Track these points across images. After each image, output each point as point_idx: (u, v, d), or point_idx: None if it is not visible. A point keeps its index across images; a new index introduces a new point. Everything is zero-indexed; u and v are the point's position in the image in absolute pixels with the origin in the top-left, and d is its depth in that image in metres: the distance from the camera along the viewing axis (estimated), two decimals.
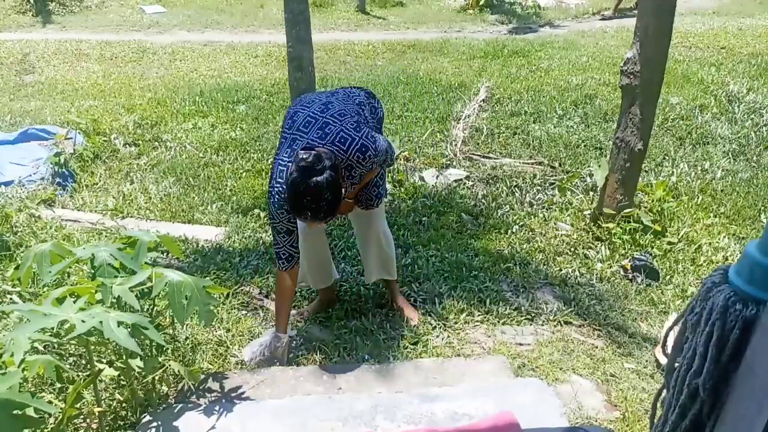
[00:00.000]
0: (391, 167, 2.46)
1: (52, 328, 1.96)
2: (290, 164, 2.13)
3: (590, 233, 3.48)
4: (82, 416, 2.03)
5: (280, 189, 2.21)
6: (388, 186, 3.17)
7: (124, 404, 2.15)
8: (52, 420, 1.98)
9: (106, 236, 3.44)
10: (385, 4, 10.64)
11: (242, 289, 2.96)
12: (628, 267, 3.15)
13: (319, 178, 2.04)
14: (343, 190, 2.18)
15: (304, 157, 2.06)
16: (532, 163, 4.39)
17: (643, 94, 3.13)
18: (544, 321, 2.80)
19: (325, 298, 2.87)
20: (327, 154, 2.13)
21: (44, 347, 2.10)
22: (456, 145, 4.62)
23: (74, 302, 1.71)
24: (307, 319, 2.79)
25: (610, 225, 3.38)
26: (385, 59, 7.44)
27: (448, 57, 7.34)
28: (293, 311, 2.66)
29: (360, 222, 2.69)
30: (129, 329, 1.69)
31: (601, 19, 9.68)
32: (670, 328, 1.07)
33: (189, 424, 2.07)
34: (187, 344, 2.52)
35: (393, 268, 2.77)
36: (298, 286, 2.61)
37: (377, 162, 2.30)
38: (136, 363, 2.02)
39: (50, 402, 1.84)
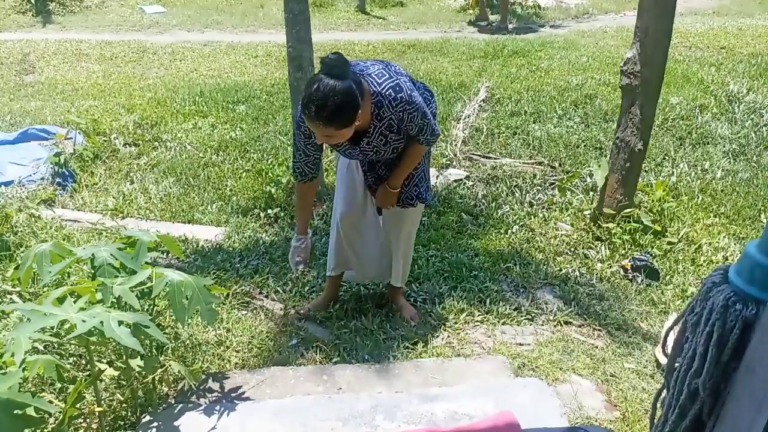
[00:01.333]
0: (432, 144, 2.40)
1: (53, 328, 1.96)
2: None
3: (590, 233, 3.48)
4: (82, 416, 2.03)
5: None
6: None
7: (124, 404, 2.15)
8: (52, 420, 1.98)
9: (106, 236, 3.45)
10: (385, 4, 10.65)
11: (242, 289, 2.96)
12: (628, 267, 3.15)
13: (335, 81, 2.01)
14: (359, 113, 2.08)
15: (330, 56, 2.04)
16: (532, 163, 4.39)
17: (643, 94, 3.13)
18: (544, 321, 2.80)
19: (329, 293, 2.87)
20: (359, 78, 2.11)
21: (44, 347, 2.10)
22: (456, 145, 4.63)
23: (75, 302, 1.71)
24: (308, 316, 2.79)
25: (610, 225, 3.38)
26: (385, 59, 7.45)
27: (448, 57, 7.34)
28: (303, 267, 2.62)
29: (390, 220, 2.62)
30: (130, 328, 1.69)
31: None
32: (670, 328, 1.07)
33: (189, 424, 2.07)
34: (188, 344, 2.53)
35: (406, 277, 2.78)
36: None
37: (409, 114, 2.19)
38: (137, 363, 2.02)
39: (51, 402, 1.84)
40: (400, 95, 2.17)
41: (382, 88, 2.16)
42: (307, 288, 3.02)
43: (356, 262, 2.73)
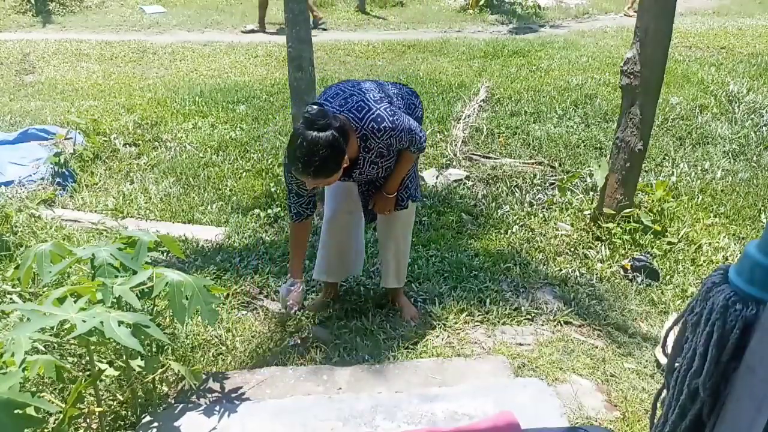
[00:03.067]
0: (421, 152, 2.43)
1: (53, 328, 1.96)
2: None
3: (590, 233, 3.48)
4: (82, 416, 2.03)
5: None
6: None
7: (124, 404, 2.15)
8: (52, 420, 1.98)
9: (106, 236, 3.44)
10: (385, 4, 10.64)
11: (242, 289, 2.96)
12: (628, 267, 3.15)
13: (318, 133, 2.04)
14: (346, 157, 2.13)
15: (309, 110, 2.06)
16: (532, 163, 4.39)
17: (643, 94, 3.13)
18: (544, 321, 2.80)
19: (328, 295, 2.87)
20: (340, 119, 2.13)
21: (45, 347, 2.10)
22: (456, 145, 4.63)
23: (75, 302, 1.71)
24: (310, 316, 2.79)
25: (610, 225, 3.38)
26: (385, 59, 7.44)
27: (448, 57, 7.34)
28: (296, 309, 2.66)
29: (383, 221, 2.65)
30: (130, 329, 1.69)
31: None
32: (670, 328, 1.07)
33: (189, 424, 2.07)
34: (188, 344, 2.53)
35: (403, 276, 2.78)
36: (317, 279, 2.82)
37: (395, 138, 2.24)
38: (137, 363, 2.02)
39: (51, 402, 1.84)
40: (383, 125, 2.19)
41: (364, 123, 2.19)
42: (307, 288, 3.02)
43: (337, 266, 2.74)
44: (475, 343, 2.65)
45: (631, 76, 3.12)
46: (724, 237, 3.47)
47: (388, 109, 2.24)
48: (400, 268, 2.74)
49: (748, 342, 0.86)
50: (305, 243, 2.64)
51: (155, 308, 2.41)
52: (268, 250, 3.31)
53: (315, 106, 2.09)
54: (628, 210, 3.37)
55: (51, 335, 1.99)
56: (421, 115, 2.58)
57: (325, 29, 8.87)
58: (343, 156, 2.12)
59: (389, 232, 2.66)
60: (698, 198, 3.89)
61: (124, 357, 2.01)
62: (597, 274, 3.16)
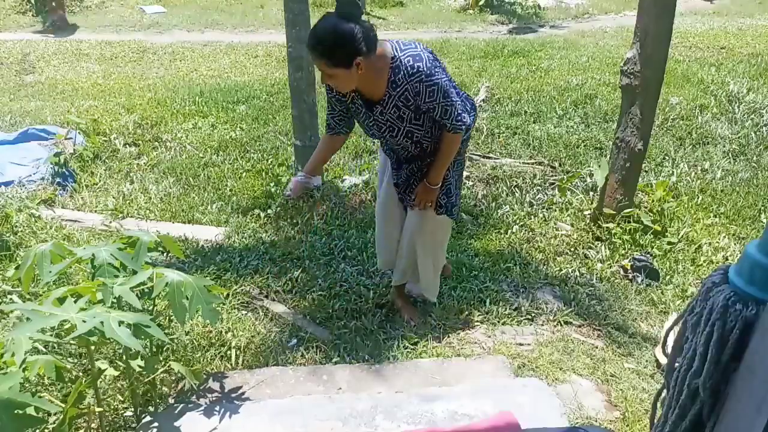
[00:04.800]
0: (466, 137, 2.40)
1: (53, 328, 1.96)
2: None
3: (590, 233, 3.48)
4: (83, 416, 2.03)
5: None
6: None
7: (124, 404, 2.15)
8: (53, 420, 1.98)
9: (106, 236, 3.44)
10: (385, 4, 10.64)
11: (242, 289, 2.96)
12: (628, 267, 3.15)
13: (338, 20, 2.05)
14: (359, 67, 2.09)
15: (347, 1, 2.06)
16: (532, 163, 4.39)
17: (643, 94, 3.13)
18: (544, 321, 2.80)
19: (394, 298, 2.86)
20: (373, 30, 2.13)
21: (45, 347, 2.10)
22: None
23: (75, 302, 1.71)
24: (311, 317, 2.79)
25: (610, 225, 3.38)
26: None
27: (448, 57, 7.34)
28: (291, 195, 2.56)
29: (411, 221, 2.60)
30: (131, 329, 1.69)
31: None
32: (670, 328, 1.07)
33: (189, 424, 2.08)
34: (188, 344, 2.53)
35: (428, 286, 2.75)
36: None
37: (426, 88, 2.15)
38: (137, 363, 2.02)
39: (51, 402, 1.84)
40: (418, 65, 2.14)
41: (403, 54, 2.16)
42: (307, 288, 3.02)
43: (386, 254, 2.77)
44: (475, 343, 2.65)
45: (631, 76, 3.12)
46: (724, 237, 3.47)
47: (433, 62, 2.18)
48: (425, 276, 2.70)
49: (748, 342, 0.86)
50: (327, 154, 2.60)
51: (155, 308, 2.41)
52: (268, 250, 3.31)
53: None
54: (628, 210, 3.37)
55: (51, 335, 1.99)
56: (471, 112, 2.43)
57: None
58: (353, 53, 2.06)
59: (414, 236, 2.59)
60: (698, 198, 3.89)
61: (125, 357, 2.01)
62: (597, 274, 3.16)
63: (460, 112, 2.24)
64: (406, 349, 2.60)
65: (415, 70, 2.14)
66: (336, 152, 2.81)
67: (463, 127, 2.28)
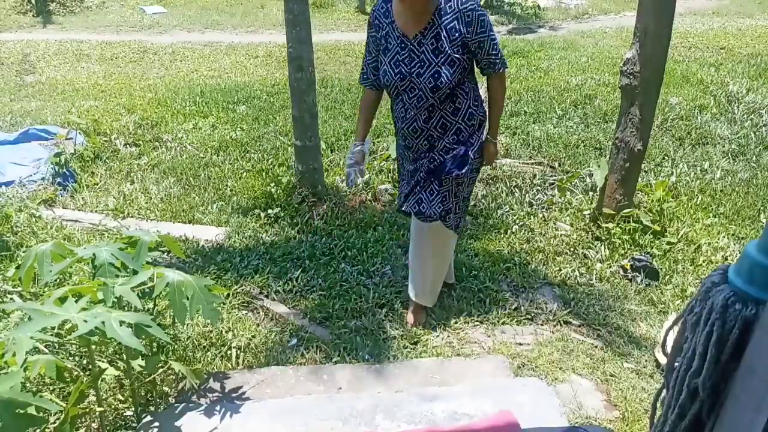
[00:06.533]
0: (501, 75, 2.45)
1: (54, 328, 1.96)
2: None
3: (590, 233, 3.48)
4: (83, 415, 2.04)
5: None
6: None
7: (125, 404, 2.16)
8: (54, 419, 1.98)
9: (107, 236, 3.45)
10: None
11: (243, 289, 2.97)
12: (628, 267, 3.15)
13: None
14: None
15: None
16: (532, 163, 4.39)
17: (643, 95, 3.14)
18: (543, 321, 2.80)
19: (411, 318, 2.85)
20: None
21: (46, 347, 2.10)
22: None
23: (76, 302, 1.71)
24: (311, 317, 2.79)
25: (610, 225, 3.38)
26: None
27: None
28: (359, 179, 2.64)
29: (417, 229, 2.61)
30: (131, 328, 1.69)
31: None
32: (670, 328, 1.07)
33: (190, 423, 2.08)
34: (188, 344, 2.53)
35: (425, 293, 2.75)
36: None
37: (476, 19, 2.20)
38: (138, 363, 2.03)
39: (52, 401, 1.84)
40: None
41: None
42: (307, 288, 3.02)
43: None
44: (475, 342, 2.65)
45: (631, 77, 3.12)
46: (724, 237, 3.48)
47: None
48: (424, 283, 2.71)
49: (748, 342, 0.87)
50: (370, 114, 2.58)
51: (156, 308, 2.41)
52: (268, 250, 3.32)
53: None
54: (627, 210, 3.37)
55: (52, 335, 1.99)
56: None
57: None
58: None
59: (421, 242, 2.62)
60: (698, 198, 3.89)
61: (125, 357, 2.01)
62: (596, 274, 3.16)
63: (501, 52, 2.33)
64: (406, 348, 2.60)
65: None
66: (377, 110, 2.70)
67: (504, 68, 2.37)
